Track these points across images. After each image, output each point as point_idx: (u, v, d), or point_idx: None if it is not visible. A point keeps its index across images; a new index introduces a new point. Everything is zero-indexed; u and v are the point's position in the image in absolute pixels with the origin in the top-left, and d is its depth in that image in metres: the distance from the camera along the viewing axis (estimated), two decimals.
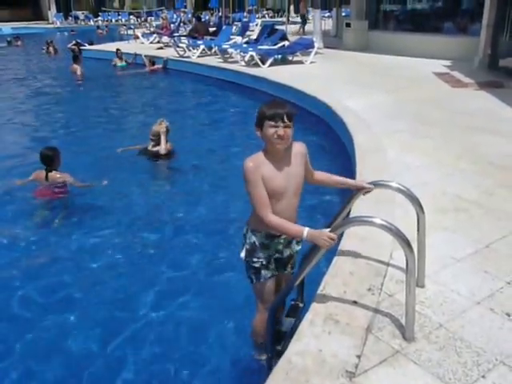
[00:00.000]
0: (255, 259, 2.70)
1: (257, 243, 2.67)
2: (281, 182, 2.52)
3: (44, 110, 10.53)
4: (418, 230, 2.77)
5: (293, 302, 2.96)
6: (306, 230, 2.40)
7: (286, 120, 2.41)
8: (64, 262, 4.26)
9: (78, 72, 14.00)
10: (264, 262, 2.71)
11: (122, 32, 26.17)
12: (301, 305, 2.95)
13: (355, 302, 2.71)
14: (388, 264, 3.11)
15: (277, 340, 2.61)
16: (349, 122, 6.63)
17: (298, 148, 2.64)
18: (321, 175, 2.90)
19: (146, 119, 8.41)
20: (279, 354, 2.48)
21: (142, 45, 18.92)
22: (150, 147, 6.69)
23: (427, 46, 13.18)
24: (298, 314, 2.87)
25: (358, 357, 2.33)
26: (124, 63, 15.60)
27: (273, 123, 2.41)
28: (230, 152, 7.14)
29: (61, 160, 5.40)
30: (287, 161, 2.56)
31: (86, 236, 4.68)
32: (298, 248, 2.85)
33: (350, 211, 3.17)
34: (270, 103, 2.51)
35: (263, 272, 2.72)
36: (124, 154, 6.81)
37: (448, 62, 11.81)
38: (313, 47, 13.23)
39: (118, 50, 15.92)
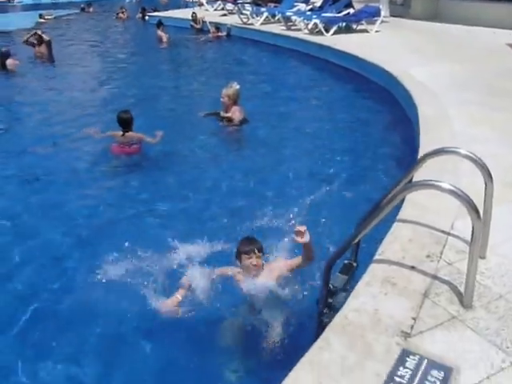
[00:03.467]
0: None
1: None
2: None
3: (126, 73, 10.91)
4: (485, 200, 2.71)
5: (346, 261, 3.01)
6: None
7: (257, 252, 3.14)
8: (132, 217, 4.50)
9: (164, 39, 14.31)
10: None
11: None
12: (354, 264, 3.00)
13: (413, 268, 2.72)
14: (449, 233, 3.08)
15: (329, 294, 2.69)
16: (414, 92, 6.45)
17: (275, 265, 3.26)
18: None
19: (214, 85, 8.50)
20: (330, 307, 2.63)
21: (207, 12, 18.97)
22: (222, 112, 6.68)
23: (503, 15, 12.37)
24: (350, 272, 2.93)
25: (414, 319, 2.36)
26: (200, 26, 15.79)
27: (248, 256, 3.15)
28: (296, 121, 7.11)
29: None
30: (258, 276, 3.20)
31: (155, 193, 4.95)
32: None
33: (411, 179, 3.14)
34: (244, 241, 3.23)
35: None
36: (200, 118, 6.91)
37: None
38: (378, 16, 12.81)
39: (193, 13, 16.11)
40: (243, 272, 3.23)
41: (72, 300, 3.40)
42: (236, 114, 6.54)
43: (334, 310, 2.60)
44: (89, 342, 3.06)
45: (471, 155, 2.66)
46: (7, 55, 10.21)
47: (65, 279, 3.61)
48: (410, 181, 3.14)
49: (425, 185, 2.46)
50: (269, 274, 3.21)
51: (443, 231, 3.10)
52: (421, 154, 3.96)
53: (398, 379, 2.00)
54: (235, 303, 3.19)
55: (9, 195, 4.99)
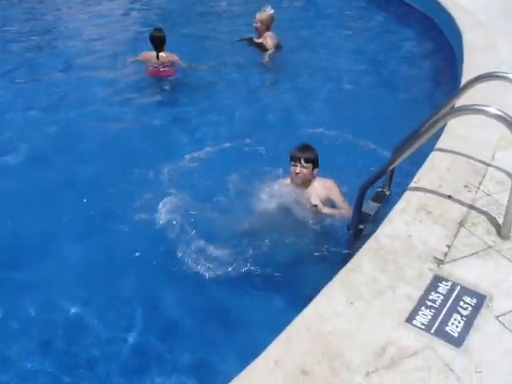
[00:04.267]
0: None
1: None
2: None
3: None
4: None
5: (379, 189, 2.96)
6: None
7: (303, 162, 3.13)
8: (167, 137, 4.56)
9: None
10: None
11: None
12: (387, 192, 2.94)
13: (450, 197, 2.65)
14: (489, 164, 2.96)
15: (361, 220, 2.67)
16: (459, 19, 6.02)
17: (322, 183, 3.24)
18: None
19: (247, 8, 8.12)
20: (360, 232, 2.64)
21: None
22: (255, 38, 6.41)
23: None
24: (383, 200, 2.89)
25: (448, 247, 2.31)
26: None
27: (293, 163, 3.17)
28: (332, 48, 6.83)
29: None
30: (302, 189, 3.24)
31: (189, 114, 4.99)
32: None
33: (454, 106, 2.98)
34: (298, 147, 3.18)
35: None
36: (233, 43, 6.71)
37: None
38: None
39: None
40: (290, 179, 3.24)
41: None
42: (268, 40, 6.26)
43: (365, 236, 2.59)
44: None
45: None
46: None
47: (111, 202, 3.60)
48: (453, 107, 2.99)
49: (469, 109, 2.31)
50: (313, 190, 3.20)
51: (483, 162, 2.98)
52: (463, 82, 3.74)
53: (429, 303, 1.99)
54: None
55: (41, 116, 5.03)
